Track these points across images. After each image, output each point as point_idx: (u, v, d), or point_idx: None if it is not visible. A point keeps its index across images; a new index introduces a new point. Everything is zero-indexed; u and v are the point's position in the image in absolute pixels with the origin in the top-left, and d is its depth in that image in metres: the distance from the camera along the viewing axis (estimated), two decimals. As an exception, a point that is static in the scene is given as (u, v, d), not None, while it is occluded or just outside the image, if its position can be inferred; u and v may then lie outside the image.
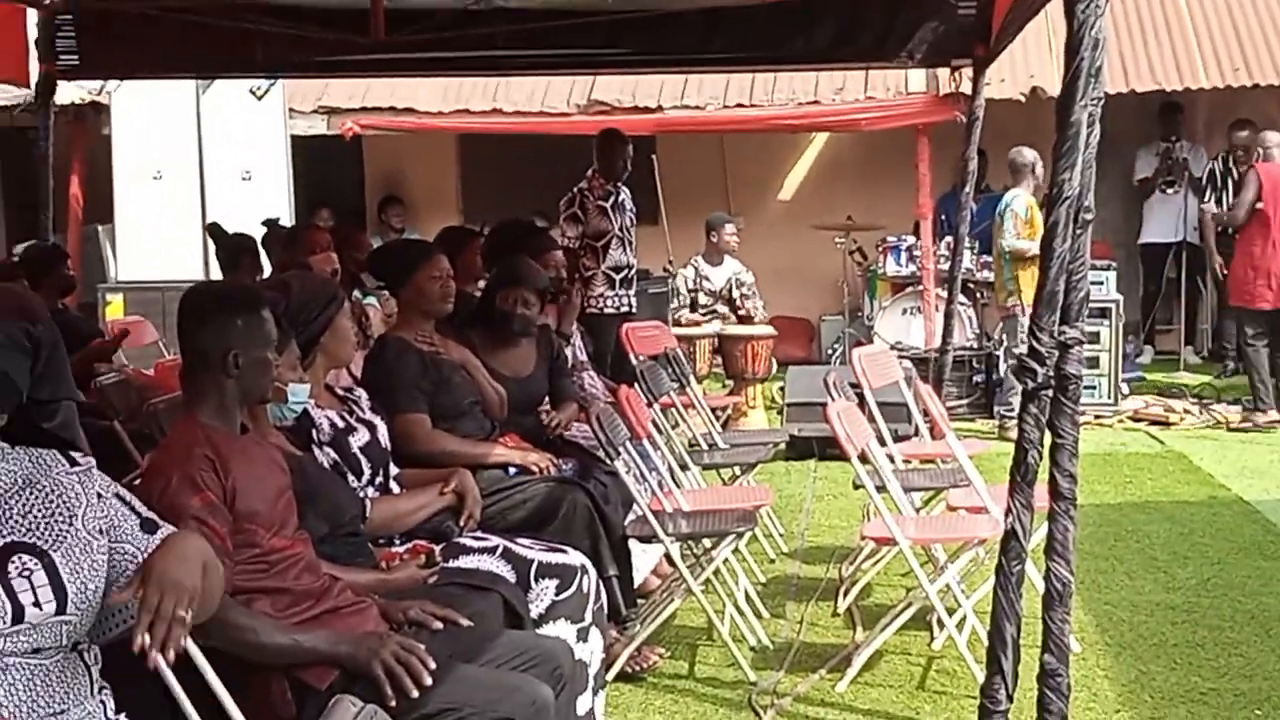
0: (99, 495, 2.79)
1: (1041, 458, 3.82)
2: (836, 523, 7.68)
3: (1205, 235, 11.99)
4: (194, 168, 11.70)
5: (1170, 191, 12.63)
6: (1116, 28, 12.24)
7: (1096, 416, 10.49)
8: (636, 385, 6.66)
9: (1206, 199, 12.25)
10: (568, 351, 6.56)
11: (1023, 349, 3.85)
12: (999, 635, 3.83)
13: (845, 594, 6.15)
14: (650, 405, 6.55)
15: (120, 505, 2.84)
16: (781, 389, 10.21)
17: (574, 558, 4.36)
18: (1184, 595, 6.24)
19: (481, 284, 6.24)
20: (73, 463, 2.79)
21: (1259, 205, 10.24)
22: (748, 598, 5.91)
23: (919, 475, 6.54)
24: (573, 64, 9.47)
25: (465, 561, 4.21)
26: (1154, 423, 10.47)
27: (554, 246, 7.10)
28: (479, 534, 4.46)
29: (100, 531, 2.75)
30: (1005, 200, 10.36)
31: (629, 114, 11.93)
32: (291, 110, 12.14)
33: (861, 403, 6.26)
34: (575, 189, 9.21)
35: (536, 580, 4.21)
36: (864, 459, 5.42)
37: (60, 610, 2.64)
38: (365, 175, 14.70)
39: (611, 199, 9.17)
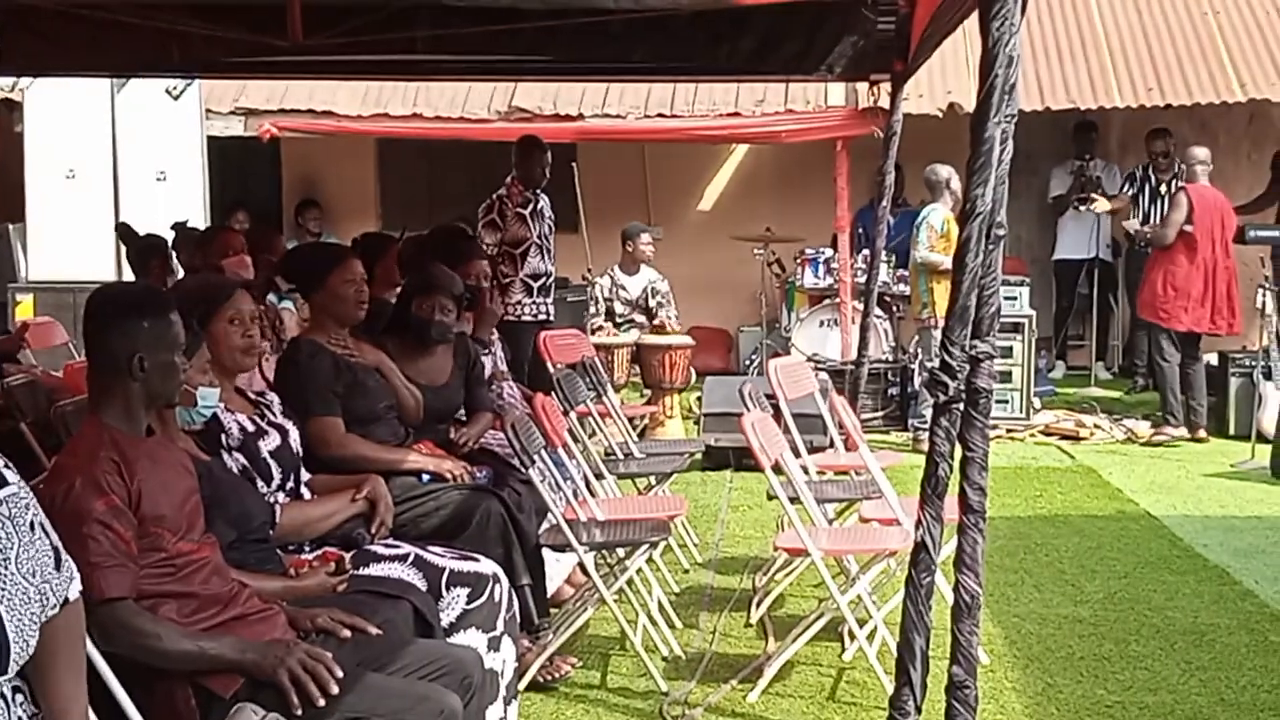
0: (30, 526, 2.64)
1: (952, 470, 3.84)
2: (751, 533, 7.70)
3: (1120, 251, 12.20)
4: (108, 167, 11.55)
5: (1083, 209, 12.80)
6: (1032, 46, 12.40)
7: (1008, 430, 10.61)
8: (553, 394, 6.65)
9: (1128, 200, 12.43)
10: (486, 360, 6.53)
11: (935, 362, 3.87)
12: (908, 647, 3.86)
13: (758, 604, 6.17)
14: (567, 414, 6.54)
15: (43, 536, 2.69)
16: (699, 399, 10.22)
17: (486, 566, 4.34)
18: (1091, 609, 6.31)
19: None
20: (2, 482, 2.63)
21: (1187, 227, 10.35)
22: (661, 608, 5.91)
23: (832, 487, 6.57)
24: (494, 70, 9.45)
25: (376, 569, 4.18)
26: (1064, 437, 10.59)
27: (480, 255, 7.07)
28: (390, 541, 4.43)
29: (32, 574, 2.60)
30: (922, 214, 10.46)
31: (550, 122, 11.92)
32: (208, 111, 12.01)
33: (777, 414, 6.29)
34: (494, 196, 9.18)
35: (448, 589, 4.19)
36: (778, 470, 5.43)
37: (2, 671, 2.50)
38: (282, 178, 14.58)
39: (530, 206, 9.15)
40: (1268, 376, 10.16)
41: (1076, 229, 12.89)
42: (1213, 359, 10.70)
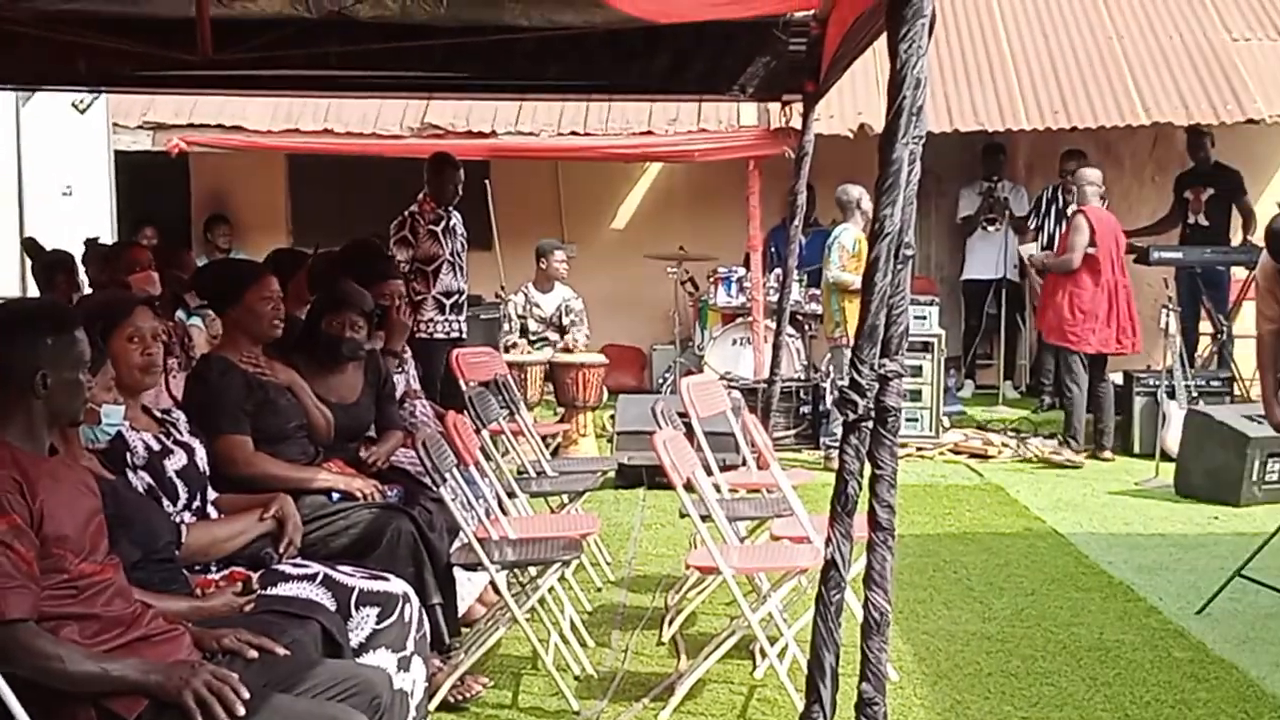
0: None
1: (862, 488, 3.87)
2: (664, 551, 7.71)
3: (1027, 272, 12.34)
4: (12, 181, 11.37)
5: (992, 230, 12.99)
6: (941, 69, 12.55)
7: (918, 449, 10.71)
8: (466, 411, 6.62)
9: (1031, 230, 12.60)
10: (399, 378, 6.49)
11: (845, 381, 3.90)
12: (818, 664, 3.87)
13: (670, 622, 6.17)
14: (479, 432, 6.52)
15: None
16: (612, 417, 10.23)
17: (396, 585, 4.31)
18: (999, 625, 6.38)
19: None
20: None
21: (1090, 249, 10.50)
22: (573, 626, 5.90)
23: (744, 505, 6.60)
24: (407, 86, 9.41)
25: (284, 589, 4.14)
26: (973, 455, 10.70)
27: (395, 274, 7.02)
28: (299, 561, 4.39)
29: None
30: (833, 234, 10.54)
31: (463, 139, 11.90)
32: (116, 125, 11.86)
33: (690, 432, 6.30)
34: (406, 212, 9.13)
35: (357, 608, 4.16)
36: (690, 488, 5.44)
37: None
38: (191, 193, 14.42)
39: (443, 223, 9.12)
40: (1171, 396, 10.33)
41: (984, 249, 13.06)
42: (1118, 379, 10.86)
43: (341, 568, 4.32)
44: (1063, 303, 10.61)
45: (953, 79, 12.74)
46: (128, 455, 4.16)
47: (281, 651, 3.62)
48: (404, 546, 5.03)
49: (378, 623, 4.15)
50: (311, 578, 4.19)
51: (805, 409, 11.11)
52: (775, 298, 10.51)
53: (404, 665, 4.19)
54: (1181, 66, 12.70)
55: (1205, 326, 12.06)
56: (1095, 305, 10.52)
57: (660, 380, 12.76)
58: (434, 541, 5.17)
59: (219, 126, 12.15)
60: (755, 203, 11.80)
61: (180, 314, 6.77)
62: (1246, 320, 9.96)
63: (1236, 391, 11.12)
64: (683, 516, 5.68)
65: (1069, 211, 12.17)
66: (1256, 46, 12.91)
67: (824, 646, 3.86)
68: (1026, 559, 7.62)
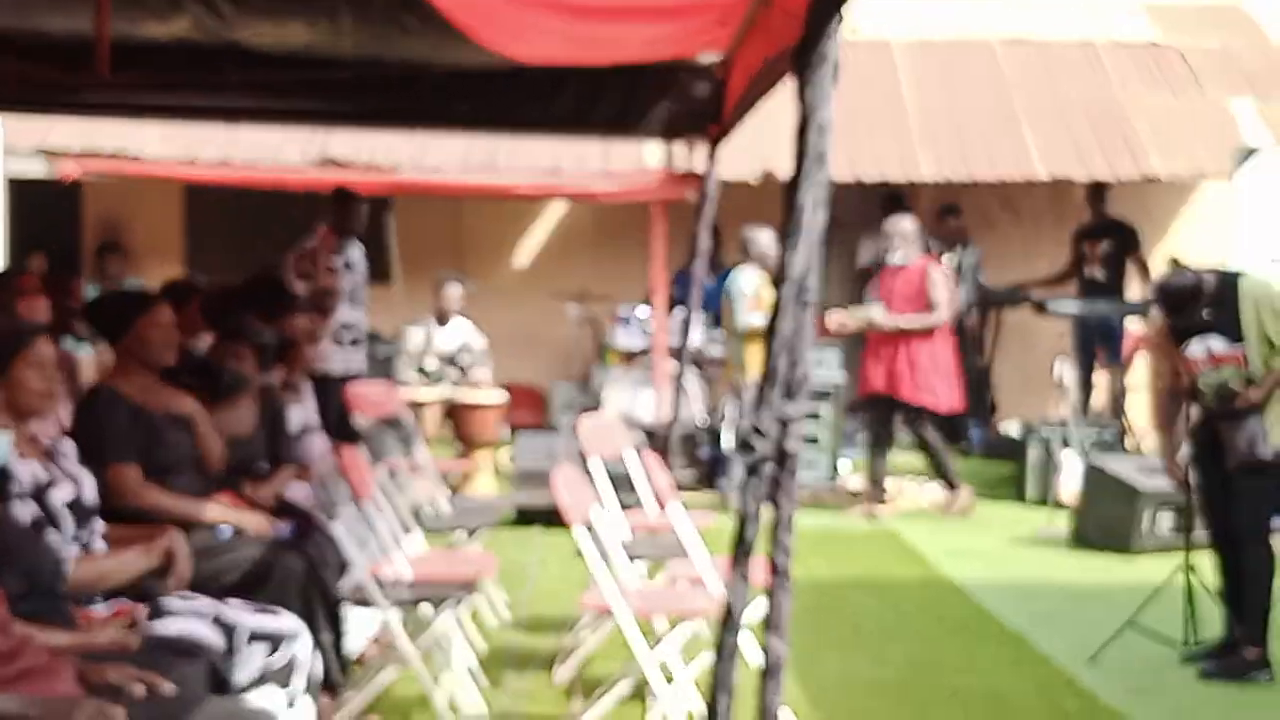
0: None
1: (759, 532, 3.86)
2: (561, 591, 7.64)
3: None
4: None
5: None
6: (843, 118, 12.64)
7: (816, 494, 10.73)
8: (362, 447, 6.54)
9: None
10: (295, 411, 6.41)
11: (746, 424, 3.89)
12: (712, 709, 3.85)
13: (565, 664, 6.12)
14: (375, 467, 6.44)
15: None
16: (511, 456, 10.16)
17: (286, 623, 4.23)
18: (893, 671, 6.39)
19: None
20: None
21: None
22: (467, 667, 5.82)
23: (642, 545, 6.56)
24: (309, 117, 9.32)
25: (171, 624, 4.05)
26: (870, 500, 10.74)
27: (297, 309, 6.93)
28: (187, 595, 4.30)
29: None
30: (733, 277, 10.57)
31: (365, 173, 11.80)
32: (7, 150, 11.63)
33: (589, 471, 6.27)
34: (306, 245, 9.04)
35: (245, 645, 4.07)
36: (588, 527, 5.41)
37: None
38: (84, 221, 14.16)
39: (342, 257, 9.04)
40: (1066, 445, 10.46)
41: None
42: (1014, 428, 10.97)
43: (231, 603, 4.24)
44: (923, 361, 10.37)
45: (856, 130, 12.87)
46: (13, 484, 4.06)
47: (168, 688, 3.53)
48: (295, 583, 4.95)
49: (266, 660, 4.08)
50: (200, 613, 4.11)
51: (705, 451, 11.11)
52: (677, 339, 10.53)
53: (292, 704, 4.12)
54: (1080, 123, 12.94)
55: (1099, 378, 12.27)
56: (949, 362, 10.45)
57: (559, 419, 12.71)
58: (326, 578, 5.09)
59: (114, 156, 11.94)
60: (659, 244, 11.81)
61: (70, 342, 6.64)
62: (1140, 372, 10.13)
63: (1129, 444, 11.30)
64: (579, 556, 5.64)
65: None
66: (1153, 104, 13.17)
67: (719, 690, 3.83)
68: (921, 606, 7.65)
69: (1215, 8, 14.44)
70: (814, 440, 10.75)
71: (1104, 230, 12.45)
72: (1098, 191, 12.49)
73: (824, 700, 5.91)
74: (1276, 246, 9.81)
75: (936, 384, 10.38)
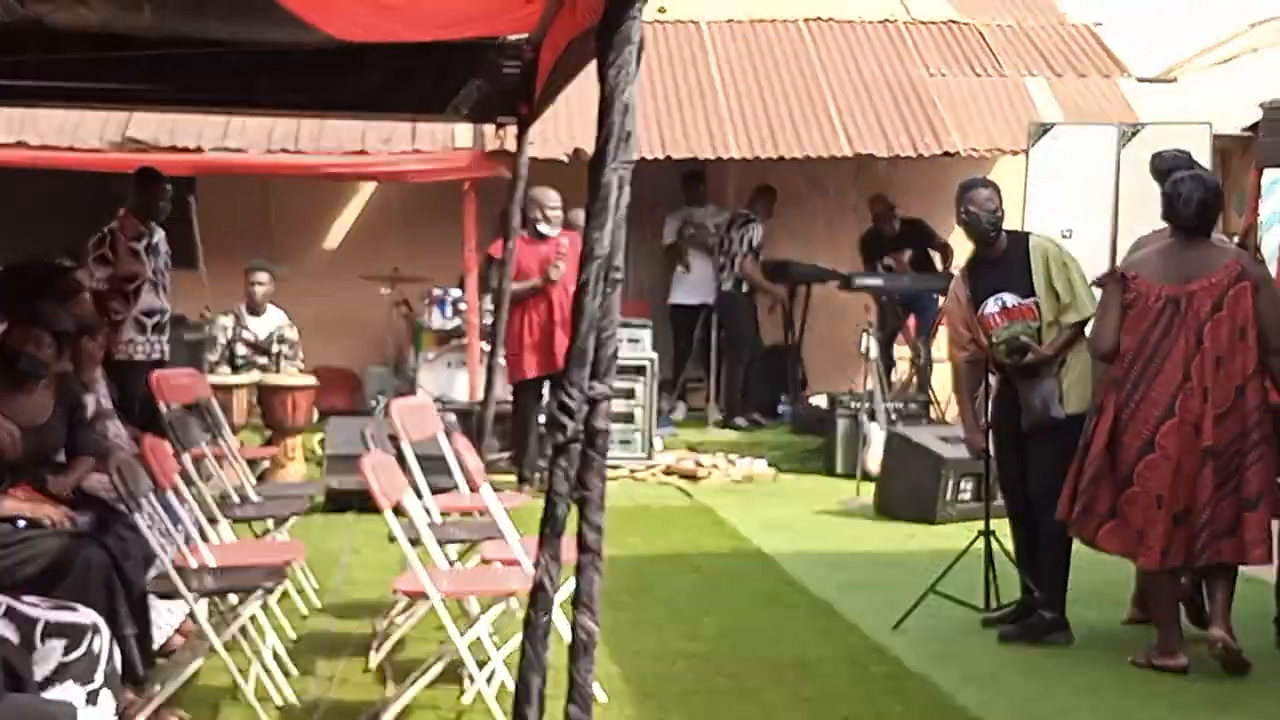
0: None
1: (570, 510, 3.87)
2: (373, 576, 7.57)
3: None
4: None
5: (693, 256, 13.25)
6: (655, 97, 12.76)
7: (631, 470, 10.80)
8: (166, 435, 6.40)
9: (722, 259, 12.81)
10: (89, 399, 6.23)
11: (554, 403, 3.91)
12: (524, 687, 3.86)
13: (378, 649, 6.08)
14: (179, 456, 6.31)
15: None
16: (322, 441, 10.04)
17: (85, 616, 4.14)
18: (705, 644, 6.47)
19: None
20: None
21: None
22: (276, 655, 5.74)
23: (455, 528, 6.55)
24: (109, 98, 9.07)
25: (-37, 622, 3.93)
26: (684, 476, 10.87)
27: (80, 289, 6.74)
28: (-21, 591, 4.17)
29: None
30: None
31: (167, 154, 11.50)
32: None
33: (401, 455, 6.23)
34: (106, 229, 8.76)
35: (43, 640, 3.99)
36: (399, 512, 5.37)
37: None
38: None
39: (145, 240, 8.79)
40: (871, 417, 10.69)
41: (688, 275, 13.31)
42: (822, 401, 11.16)
43: (26, 598, 4.13)
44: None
45: (664, 107, 12.96)
46: None
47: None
48: (96, 576, 4.85)
49: (64, 655, 3.99)
50: (-6, 609, 3.99)
51: (518, 431, 11.09)
52: (490, 320, 10.49)
53: (92, 699, 4.03)
54: (883, 100, 13.20)
55: (901, 351, 12.58)
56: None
57: (372, 402, 12.57)
58: (128, 570, 5.00)
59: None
60: (470, 225, 11.76)
61: None
62: (943, 345, 10.38)
63: (934, 414, 11.59)
64: (392, 541, 5.60)
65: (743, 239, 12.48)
66: (952, 82, 13.51)
67: (531, 669, 3.85)
68: (733, 579, 7.76)
69: (1013, -13, 14.90)
70: (629, 418, 10.81)
71: (902, 239, 12.89)
72: (886, 208, 12.93)
73: (637, 675, 5.96)
74: (1065, 220, 10.14)
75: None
